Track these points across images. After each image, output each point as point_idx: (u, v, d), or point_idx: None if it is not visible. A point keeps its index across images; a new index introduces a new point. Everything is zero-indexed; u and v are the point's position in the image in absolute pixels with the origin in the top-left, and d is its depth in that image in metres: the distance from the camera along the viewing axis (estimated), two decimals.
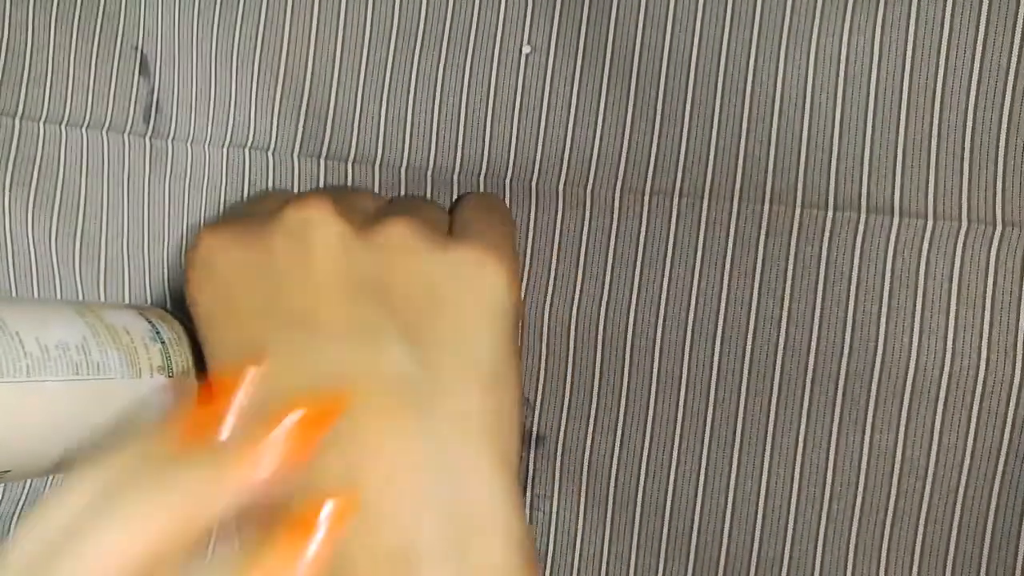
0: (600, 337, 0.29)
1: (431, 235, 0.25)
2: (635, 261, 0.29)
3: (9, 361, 0.24)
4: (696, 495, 0.28)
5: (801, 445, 0.27)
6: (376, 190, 0.31)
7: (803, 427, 0.27)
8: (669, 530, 0.28)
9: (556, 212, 0.29)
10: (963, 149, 0.26)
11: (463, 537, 0.23)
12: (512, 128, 0.29)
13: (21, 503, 0.34)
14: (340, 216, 0.25)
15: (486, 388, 0.24)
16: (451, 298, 0.25)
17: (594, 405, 0.29)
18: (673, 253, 0.28)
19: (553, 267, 0.29)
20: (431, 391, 0.24)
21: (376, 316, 0.25)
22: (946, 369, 0.26)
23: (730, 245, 0.28)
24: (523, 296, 0.30)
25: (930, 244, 0.26)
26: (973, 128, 0.26)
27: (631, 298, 0.29)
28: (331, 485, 0.23)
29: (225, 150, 0.32)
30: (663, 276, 0.28)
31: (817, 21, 0.27)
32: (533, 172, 0.29)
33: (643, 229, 0.28)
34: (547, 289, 0.29)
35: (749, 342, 0.28)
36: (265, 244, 0.25)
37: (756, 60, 0.27)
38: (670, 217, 0.28)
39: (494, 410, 0.24)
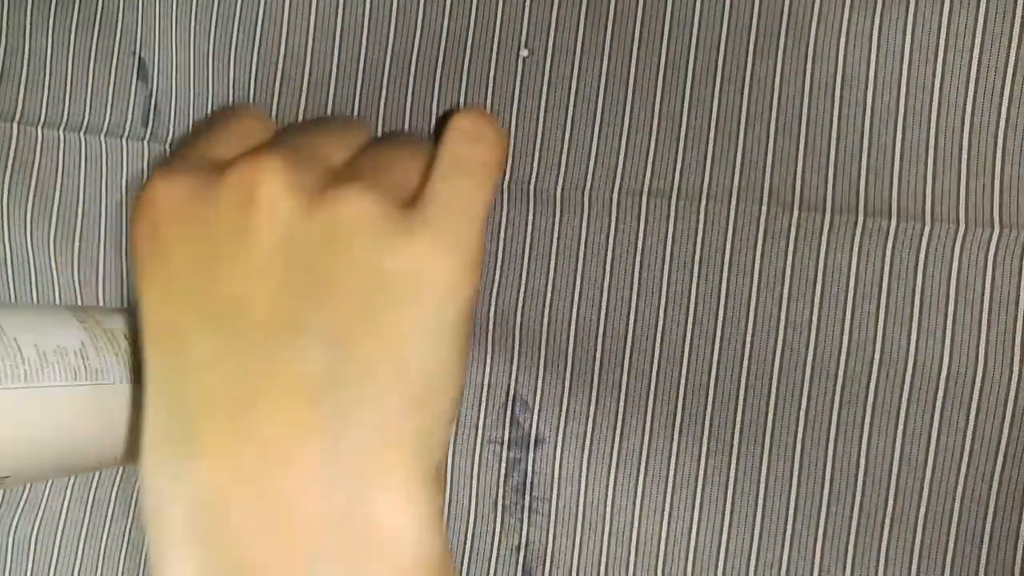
0: (599, 339, 0.29)
1: (385, 219, 0.23)
2: (633, 262, 0.29)
3: (7, 367, 0.24)
4: (695, 496, 0.28)
5: (799, 445, 0.27)
6: None
7: (801, 427, 0.27)
8: (668, 530, 0.28)
9: (554, 215, 0.29)
10: (961, 151, 0.26)
11: (369, 554, 0.22)
12: (510, 131, 0.29)
13: (21, 507, 0.34)
14: (288, 186, 0.23)
15: (414, 404, 0.23)
16: (394, 302, 0.23)
17: (593, 407, 0.29)
18: (671, 254, 0.28)
19: (552, 269, 0.29)
20: (351, 401, 0.22)
21: (308, 312, 0.23)
22: (944, 370, 0.26)
23: (728, 246, 0.28)
24: (522, 297, 0.30)
25: (928, 246, 0.26)
26: (971, 130, 0.26)
27: (630, 299, 0.29)
28: (236, 490, 0.22)
29: None
30: (661, 277, 0.28)
31: (814, 24, 0.27)
32: (531, 175, 0.29)
33: (641, 230, 0.28)
34: (546, 291, 0.29)
35: (747, 342, 0.28)
36: (209, 210, 0.24)
37: (753, 62, 0.27)
38: (668, 217, 0.28)
39: (418, 428, 0.23)
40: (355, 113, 0.31)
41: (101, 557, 0.33)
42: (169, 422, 0.23)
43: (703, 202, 0.28)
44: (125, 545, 0.33)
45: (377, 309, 0.23)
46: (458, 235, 0.24)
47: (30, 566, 0.34)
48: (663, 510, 0.28)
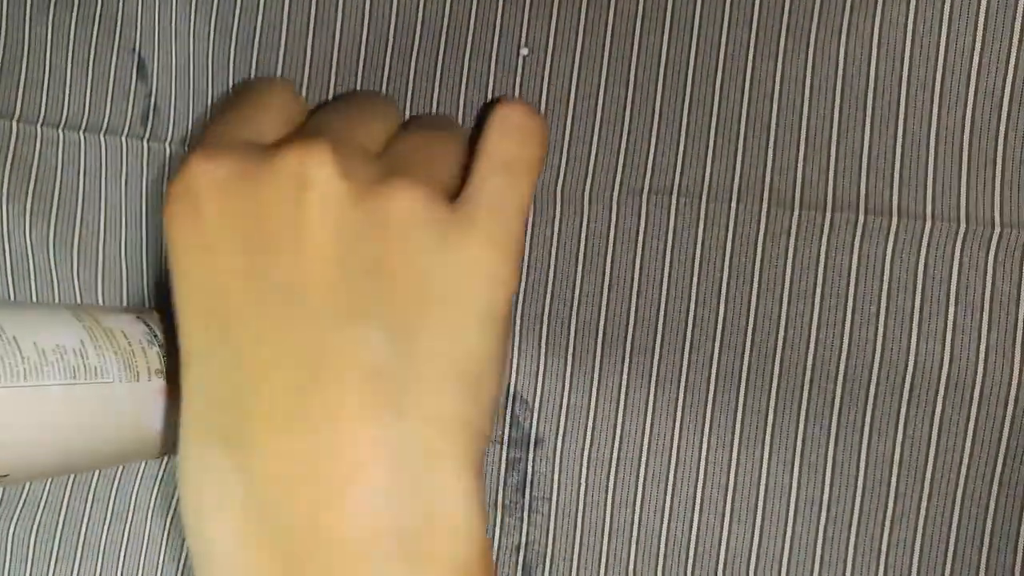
0: (599, 338, 0.29)
1: (435, 214, 0.24)
2: (633, 262, 0.29)
3: (6, 366, 0.24)
4: (695, 495, 0.28)
5: (799, 446, 0.27)
6: None
7: (801, 427, 0.27)
8: (668, 530, 0.28)
9: (555, 212, 0.29)
10: (961, 150, 0.26)
11: (423, 539, 0.22)
12: None
13: (20, 506, 0.34)
14: (341, 175, 0.23)
15: (469, 393, 0.23)
16: (444, 295, 0.24)
17: (593, 406, 0.29)
18: (672, 253, 0.28)
19: (552, 267, 0.29)
20: (408, 388, 0.23)
21: (364, 298, 0.23)
22: (944, 370, 0.26)
23: (729, 245, 0.28)
24: (522, 296, 0.30)
25: (928, 245, 0.26)
26: (971, 129, 0.26)
27: (630, 298, 0.29)
28: (295, 469, 0.22)
29: None
30: (662, 277, 0.28)
31: (815, 21, 0.27)
32: None
33: (642, 229, 0.28)
34: (546, 289, 0.29)
35: (748, 342, 0.28)
36: (256, 193, 0.23)
37: (754, 59, 0.27)
38: (668, 217, 0.28)
39: (471, 417, 0.23)
40: None
41: (100, 556, 0.34)
42: (215, 407, 0.24)
43: (703, 201, 0.28)
44: (125, 543, 0.33)
45: (432, 300, 0.23)
46: (504, 232, 0.24)
47: (29, 565, 0.34)
48: (663, 510, 0.28)
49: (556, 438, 0.29)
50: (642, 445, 0.29)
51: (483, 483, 0.24)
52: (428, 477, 0.23)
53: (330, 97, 0.31)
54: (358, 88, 0.31)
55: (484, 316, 0.24)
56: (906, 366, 0.26)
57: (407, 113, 0.30)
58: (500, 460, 0.30)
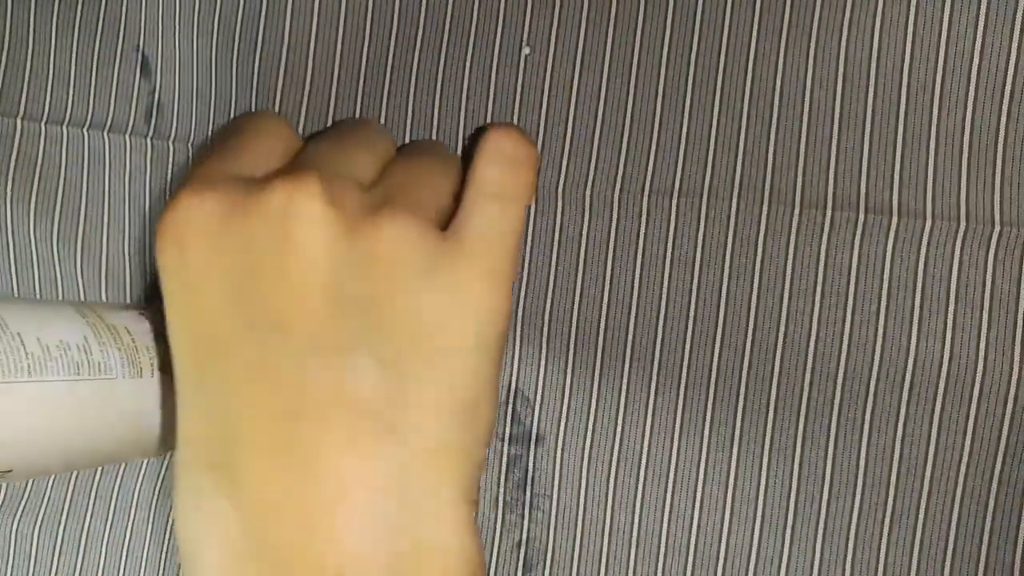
0: (600, 336, 0.29)
1: (425, 245, 0.24)
2: (634, 261, 0.29)
3: (10, 361, 0.24)
4: (695, 493, 0.28)
5: (799, 444, 0.27)
6: None
7: (801, 426, 0.27)
8: (668, 528, 0.28)
9: (556, 212, 0.29)
10: (961, 149, 0.26)
11: (415, 568, 0.22)
12: None
13: (24, 502, 0.34)
14: (329, 207, 0.23)
15: (462, 422, 0.24)
16: (436, 325, 0.24)
17: (594, 404, 0.29)
18: (673, 252, 0.28)
19: (553, 266, 0.29)
20: (400, 418, 0.23)
21: (354, 330, 0.23)
22: (944, 368, 0.26)
23: (729, 244, 0.28)
24: (524, 293, 0.30)
25: (928, 244, 0.26)
26: (972, 128, 0.26)
27: (631, 297, 0.29)
28: (283, 496, 0.23)
29: None
30: (663, 275, 0.28)
31: (816, 19, 0.27)
32: None
33: (642, 228, 0.29)
34: (547, 288, 0.29)
35: (748, 341, 0.28)
36: (244, 227, 0.23)
37: (755, 58, 0.27)
38: (669, 216, 0.28)
39: (465, 446, 0.24)
40: (358, 107, 0.31)
41: (103, 552, 0.34)
42: (207, 435, 0.24)
43: (704, 200, 0.28)
44: (128, 540, 0.33)
45: (424, 330, 0.23)
46: (495, 260, 0.25)
47: (32, 561, 0.34)
48: (663, 508, 0.28)
49: (557, 435, 0.29)
50: (642, 443, 0.29)
51: (476, 512, 0.24)
52: (421, 506, 0.23)
53: (331, 97, 0.31)
54: (359, 84, 0.31)
55: (477, 345, 0.24)
56: (906, 364, 0.26)
57: (409, 113, 0.30)
58: (501, 457, 0.30)
